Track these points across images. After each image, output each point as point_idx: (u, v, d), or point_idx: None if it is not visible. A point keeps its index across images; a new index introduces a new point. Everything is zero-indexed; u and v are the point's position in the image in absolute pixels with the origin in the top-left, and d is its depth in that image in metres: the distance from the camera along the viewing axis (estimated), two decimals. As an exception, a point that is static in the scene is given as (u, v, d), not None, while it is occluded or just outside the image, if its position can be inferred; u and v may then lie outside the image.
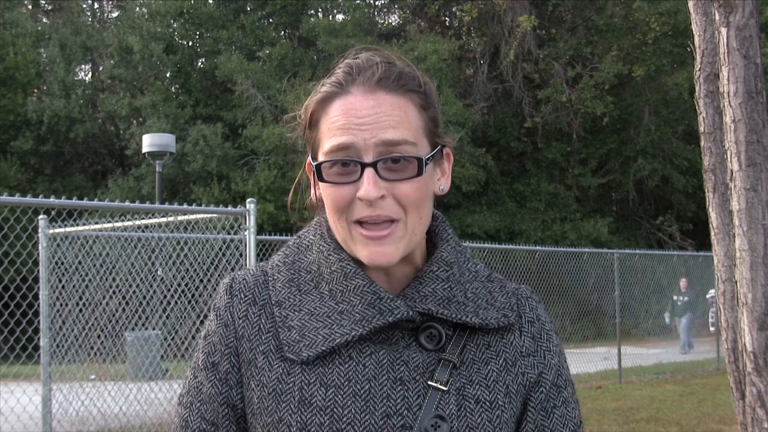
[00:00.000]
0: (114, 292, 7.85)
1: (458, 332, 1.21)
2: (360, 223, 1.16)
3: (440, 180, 1.24)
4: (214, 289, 7.24)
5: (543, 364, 1.25)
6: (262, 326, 1.20)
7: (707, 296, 17.16)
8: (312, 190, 1.28)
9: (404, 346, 1.18)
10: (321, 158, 1.18)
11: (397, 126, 1.15)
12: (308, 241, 1.27)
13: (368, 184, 1.13)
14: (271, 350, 1.18)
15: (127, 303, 8.00)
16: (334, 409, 1.13)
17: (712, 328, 16.95)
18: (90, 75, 29.44)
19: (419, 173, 1.16)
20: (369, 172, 1.14)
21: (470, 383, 1.19)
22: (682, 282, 17.05)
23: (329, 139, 1.17)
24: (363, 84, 1.18)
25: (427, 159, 1.18)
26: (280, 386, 1.16)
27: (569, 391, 1.28)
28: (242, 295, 1.22)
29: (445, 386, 1.16)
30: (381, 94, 1.17)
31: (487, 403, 1.18)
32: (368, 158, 1.14)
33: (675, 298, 17.17)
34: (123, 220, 7.38)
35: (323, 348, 1.15)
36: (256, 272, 1.26)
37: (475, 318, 1.20)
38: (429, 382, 1.16)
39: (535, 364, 1.24)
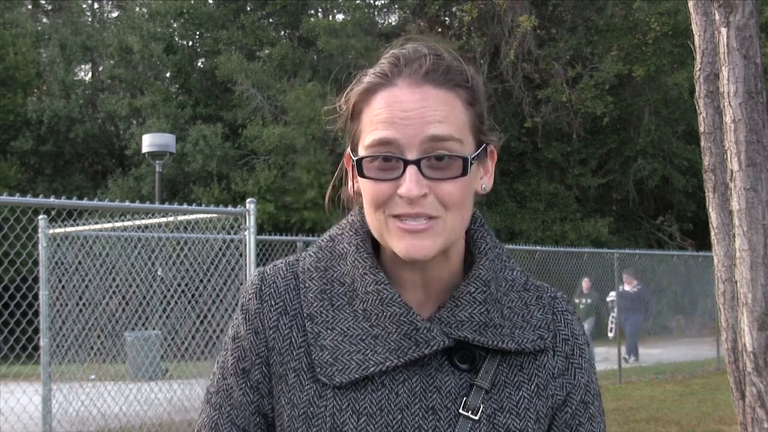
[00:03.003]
0: (114, 292, 7.86)
1: (491, 351, 1.19)
2: (398, 216, 1.11)
3: (483, 179, 1.19)
4: (215, 289, 7.25)
5: (572, 384, 1.23)
6: (293, 340, 1.17)
7: (608, 299, 15.85)
8: (350, 183, 1.22)
9: (436, 367, 1.16)
10: (362, 152, 1.13)
11: (443, 121, 1.10)
12: (343, 249, 1.21)
13: (410, 182, 1.08)
14: (302, 368, 1.16)
15: (127, 303, 8.01)
16: None
17: (611, 334, 15.64)
18: (90, 75, 29.45)
19: (464, 173, 1.11)
20: (412, 169, 1.09)
21: (501, 410, 1.17)
22: (585, 282, 15.17)
23: (371, 132, 1.12)
24: (409, 76, 1.12)
25: (473, 158, 1.13)
26: (311, 410, 1.14)
27: (596, 405, 1.26)
28: (273, 302, 1.20)
29: (476, 415, 1.14)
30: (428, 88, 1.12)
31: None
32: (411, 155, 1.09)
33: (577, 300, 15.14)
34: (123, 220, 7.38)
35: (356, 375, 1.13)
36: (287, 274, 1.21)
37: (511, 343, 1.18)
38: (460, 410, 1.14)
39: (564, 384, 1.22)
